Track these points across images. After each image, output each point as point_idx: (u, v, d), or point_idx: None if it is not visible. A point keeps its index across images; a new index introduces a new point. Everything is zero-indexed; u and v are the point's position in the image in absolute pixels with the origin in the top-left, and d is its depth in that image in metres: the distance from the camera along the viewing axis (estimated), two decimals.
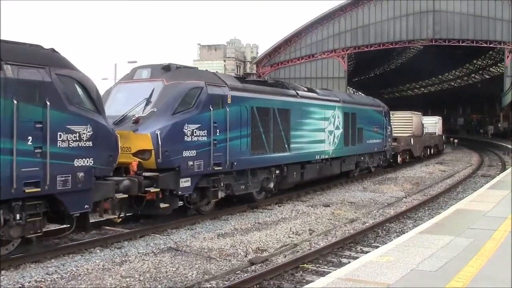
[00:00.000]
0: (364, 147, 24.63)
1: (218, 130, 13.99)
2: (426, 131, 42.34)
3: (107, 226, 12.82)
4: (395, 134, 31.95)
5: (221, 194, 14.51)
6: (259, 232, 12.93)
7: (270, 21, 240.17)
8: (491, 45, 58.31)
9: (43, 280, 8.96)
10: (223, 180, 14.51)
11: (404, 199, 19.21)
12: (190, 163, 12.97)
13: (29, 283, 8.79)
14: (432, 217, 13.03)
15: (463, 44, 58.09)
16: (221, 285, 8.78)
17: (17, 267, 9.60)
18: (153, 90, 13.11)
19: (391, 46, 61.91)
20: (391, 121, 31.80)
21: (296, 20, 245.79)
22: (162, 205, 12.55)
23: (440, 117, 51.11)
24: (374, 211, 16.45)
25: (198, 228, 13.33)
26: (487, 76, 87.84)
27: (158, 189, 12.25)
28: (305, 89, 20.36)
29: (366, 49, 61.38)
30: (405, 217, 15.42)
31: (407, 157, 34.37)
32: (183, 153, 12.82)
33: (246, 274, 9.40)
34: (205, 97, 13.62)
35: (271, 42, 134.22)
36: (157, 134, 12.20)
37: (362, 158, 24.75)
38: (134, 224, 13.54)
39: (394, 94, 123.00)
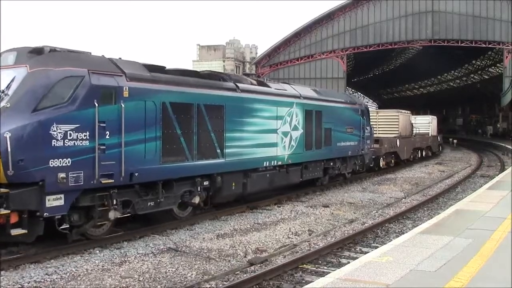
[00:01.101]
0: (334, 150, 21.29)
1: (107, 132, 10.94)
2: (417, 131, 39.33)
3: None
4: (379, 135, 29.82)
5: (115, 214, 11.43)
6: (259, 233, 12.94)
7: (269, 22, 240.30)
8: (490, 46, 58.33)
9: (42, 280, 8.96)
10: (117, 196, 11.38)
11: (404, 199, 19.22)
12: (62, 175, 10.00)
13: (28, 283, 8.80)
14: (432, 218, 13.04)
15: (462, 44, 58.14)
16: (220, 285, 8.79)
17: (17, 267, 9.60)
18: (12, 80, 10.16)
19: (390, 47, 61.96)
20: (377, 121, 30.58)
21: (296, 21, 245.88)
22: (15, 231, 9.48)
23: (435, 117, 47.70)
24: (374, 212, 16.46)
25: (198, 229, 13.33)
26: (486, 77, 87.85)
27: (9, 211, 9.34)
28: (253, 82, 17.10)
29: (365, 50, 61.41)
30: (404, 217, 15.43)
31: (392, 160, 30.95)
32: (50, 162, 9.87)
33: (245, 275, 9.41)
34: (87, 89, 10.58)
35: (270, 42, 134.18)
36: (5, 137, 9.35)
37: (331, 163, 21.35)
38: (133, 224, 13.53)
39: (393, 94, 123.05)
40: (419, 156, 37.52)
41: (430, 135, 42.16)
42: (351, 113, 23.27)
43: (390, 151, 29.70)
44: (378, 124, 30.61)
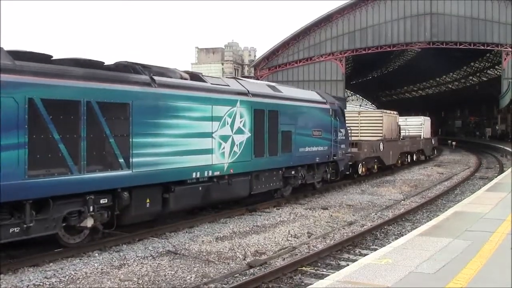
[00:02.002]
0: (296, 157, 18.17)
1: None
2: (407, 133, 36.57)
3: (106, 230, 12.78)
4: (361, 138, 27.57)
5: None
6: (258, 235, 12.94)
7: (268, 24, 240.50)
8: (488, 48, 58.45)
9: (41, 284, 8.95)
10: None
11: (403, 201, 19.22)
12: None
13: (27, 287, 8.79)
14: (430, 220, 13.04)
15: (460, 46, 58.23)
16: None
17: (15, 271, 9.59)
18: None
19: (389, 49, 62.05)
20: (359, 123, 28.53)
21: (294, 23, 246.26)
22: None
23: (428, 118, 44.40)
24: (373, 214, 16.46)
25: (197, 231, 13.33)
26: (485, 79, 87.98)
27: None
28: (185, 75, 14.10)
29: (364, 52, 61.50)
30: (403, 219, 15.43)
31: (375, 166, 27.81)
32: None
33: (244, 277, 9.41)
34: None
35: (268, 45, 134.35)
36: None
37: (293, 172, 18.25)
38: (132, 228, 13.51)
39: (392, 96, 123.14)
40: (408, 161, 34.62)
41: (422, 137, 39.04)
42: (319, 113, 20.00)
43: (371, 156, 26.45)
44: (361, 126, 28.25)
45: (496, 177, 23.66)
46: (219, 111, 14.47)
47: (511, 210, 12.59)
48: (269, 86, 18.14)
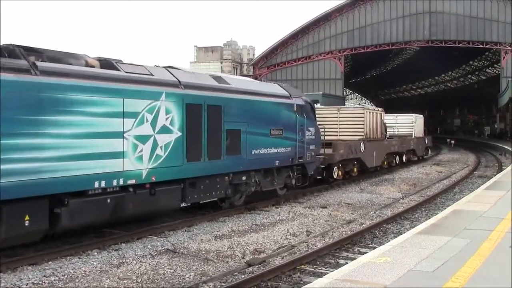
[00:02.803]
0: (247, 160, 15.60)
1: None
2: (396, 132, 34.19)
3: (105, 229, 12.78)
4: (340, 138, 24.94)
5: None
6: (257, 234, 12.94)
7: (266, 23, 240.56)
8: (487, 46, 58.55)
9: (40, 282, 8.95)
10: None
11: (401, 200, 19.23)
12: None
13: (26, 285, 8.79)
14: (429, 218, 13.05)
15: (459, 45, 58.33)
16: (218, 286, 8.79)
17: (15, 269, 9.58)
18: None
19: (388, 48, 62.16)
20: (338, 120, 25.66)
21: (293, 22, 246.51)
22: None
23: (421, 115, 41.50)
24: (371, 212, 16.47)
25: (196, 230, 13.33)
26: (484, 77, 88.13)
27: None
28: (93, 62, 11.65)
29: (363, 51, 61.56)
30: (402, 218, 15.44)
31: (355, 169, 25.03)
32: None
33: (243, 276, 9.41)
34: None
35: (267, 44, 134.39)
36: None
37: (244, 177, 15.79)
38: (132, 226, 13.51)
39: (390, 95, 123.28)
40: (396, 162, 31.78)
41: (413, 136, 36.46)
42: (280, 109, 17.31)
43: (350, 157, 23.65)
44: (340, 125, 25.55)
45: (495, 176, 23.67)
46: (134, 105, 11.77)
47: (510, 208, 12.59)
48: (214, 77, 15.42)
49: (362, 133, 25.60)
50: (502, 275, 7.13)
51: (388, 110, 34.99)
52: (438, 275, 7.18)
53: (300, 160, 18.31)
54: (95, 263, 10.14)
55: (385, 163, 29.55)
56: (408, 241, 9.34)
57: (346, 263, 9.28)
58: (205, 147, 13.91)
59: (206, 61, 69.43)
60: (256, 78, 63.94)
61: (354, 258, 9.46)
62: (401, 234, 11.75)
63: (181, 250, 11.21)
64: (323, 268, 9.96)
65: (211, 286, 8.87)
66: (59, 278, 9.21)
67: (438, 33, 58.05)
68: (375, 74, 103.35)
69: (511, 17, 55.03)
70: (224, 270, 9.84)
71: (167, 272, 9.66)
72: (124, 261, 10.35)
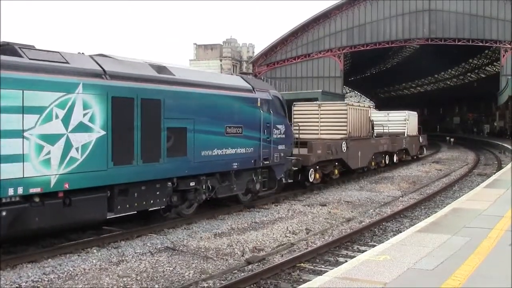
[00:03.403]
0: (196, 163, 13.39)
1: None
2: (385, 130, 31.74)
3: (105, 226, 12.78)
4: (320, 137, 23.07)
5: None
6: (256, 232, 12.94)
7: (266, 21, 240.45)
8: (487, 44, 58.54)
9: (40, 280, 8.96)
10: None
11: (401, 198, 19.23)
12: None
13: (26, 283, 8.79)
14: (429, 216, 13.07)
15: (459, 43, 58.32)
16: (218, 284, 8.79)
17: (14, 267, 9.59)
18: None
19: (387, 45, 62.12)
20: (319, 117, 23.56)
21: (292, 20, 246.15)
22: None
23: (414, 113, 38.99)
24: (371, 210, 16.47)
25: (195, 228, 13.33)
26: (483, 75, 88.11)
27: None
28: None
29: (362, 48, 61.56)
30: (401, 216, 15.45)
31: (336, 171, 22.58)
32: None
33: (243, 274, 9.41)
34: None
35: (267, 41, 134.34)
36: None
37: (193, 183, 13.63)
38: (131, 224, 13.52)
39: (390, 93, 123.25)
40: (386, 162, 29.40)
41: (406, 135, 34.18)
42: (239, 104, 15.14)
43: (329, 158, 21.25)
44: (321, 122, 23.52)
45: (494, 174, 23.68)
46: (38, 98, 9.82)
47: (510, 206, 12.59)
48: (154, 66, 13.01)
49: (345, 132, 23.27)
50: (502, 273, 7.14)
51: (387, 108, 34.79)
52: (438, 273, 7.18)
53: (265, 162, 16.17)
54: (94, 261, 10.14)
55: (373, 163, 27.20)
56: (407, 239, 9.34)
57: (346, 261, 9.28)
58: (138, 148, 11.80)
59: (205, 59, 69.35)
60: (255, 76, 64.07)
61: (354, 256, 9.47)
62: (401, 232, 11.76)
63: (180, 248, 11.21)
64: (323, 266, 9.96)
65: (210, 284, 8.87)
66: (59, 275, 9.21)
67: (438, 31, 58.02)
68: (375, 72, 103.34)
69: (511, 15, 55.00)
70: (224, 268, 9.84)
71: (166, 269, 9.66)
72: (123, 258, 10.35)
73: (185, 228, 13.25)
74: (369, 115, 26.56)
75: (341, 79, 62.03)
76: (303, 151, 19.89)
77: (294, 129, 20.04)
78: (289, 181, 18.40)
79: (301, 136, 21.45)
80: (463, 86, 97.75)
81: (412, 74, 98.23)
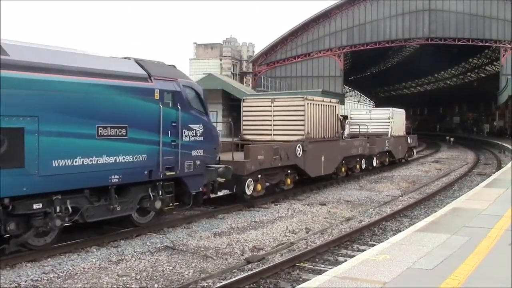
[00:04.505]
0: (42, 178, 9.75)
1: None
2: (367, 130, 28.70)
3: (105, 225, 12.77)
4: (274, 138, 19.23)
5: None
6: (256, 231, 12.94)
7: (266, 20, 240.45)
8: (486, 44, 58.55)
9: (39, 279, 8.96)
10: None
11: (400, 197, 19.23)
12: None
13: (25, 282, 8.79)
14: (428, 216, 13.06)
15: (459, 42, 58.33)
16: (217, 283, 8.78)
17: (13, 266, 9.59)
18: None
19: (387, 45, 62.14)
20: (272, 115, 19.69)
21: (292, 19, 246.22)
22: None
23: (402, 110, 34.70)
24: (371, 210, 16.48)
25: (195, 227, 13.33)
26: (483, 75, 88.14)
27: None
28: None
29: (362, 48, 61.59)
30: (401, 215, 15.45)
31: (288, 180, 18.44)
32: None
33: (242, 273, 9.41)
34: None
35: (267, 41, 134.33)
36: None
37: (40, 205, 9.99)
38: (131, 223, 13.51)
39: (390, 92, 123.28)
40: (362, 167, 25.30)
41: (390, 135, 29.91)
42: (122, 96, 11.31)
43: (277, 165, 17.40)
44: (274, 121, 19.60)
45: (494, 173, 23.68)
46: None
47: (509, 206, 12.60)
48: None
49: (302, 132, 19.22)
50: (501, 273, 7.13)
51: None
52: (437, 272, 7.18)
53: (169, 173, 12.51)
54: (94, 260, 10.15)
55: (343, 169, 23.15)
56: (407, 238, 9.34)
57: (345, 260, 9.29)
58: None
59: (205, 58, 69.28)
60: (255, 75, 64.08)
61: (353, 256, 9.47)
62: (400, 231, 11.75)
63: (180, 247, 11.21)
64: (322, 266, 9.96)
65: (210, 283, 8.87)
66: (58, 274, 9.22)
67: (438, 30, 58.04)
68: (375, 71, 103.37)
69: (511, 15, 55.00)
70: (223, 267, 9.85)
71: (166, 269, 9.67)
72: (123, 258, 10.35)
73: (184, 227, 13.25)
74: (337, 112, 22.25)
75: (341, 78, 62.05)
76: (239, 156, 16.54)
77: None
78: (213, 195, 15.18)
79: (251, 137, 19.38)
80: (463, 86, 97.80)
81: (412, 73, 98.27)
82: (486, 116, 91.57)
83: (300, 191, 19.60)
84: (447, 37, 58.15)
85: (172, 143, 12.58)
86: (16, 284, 8.68)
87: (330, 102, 21.95)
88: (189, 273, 9.46)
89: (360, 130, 27.87)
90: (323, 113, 20.78)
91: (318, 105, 20.44)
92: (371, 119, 30.86)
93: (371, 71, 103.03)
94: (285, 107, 19.77)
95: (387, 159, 29.49)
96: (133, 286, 8.74)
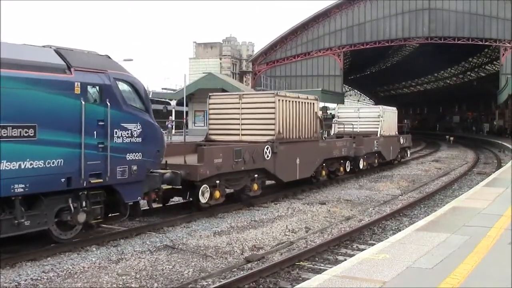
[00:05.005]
0: None
1: None
2: (354, 129, 26.84)
3: (104, 224, 12.76)
4: (242, 138, 17.67)
5: None
6: (255, 230, 12.94)
7: (266, 19, 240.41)
8: (486, 43, 58.56)
9: (39, 278, 8.95)
10: None
11: (400, 196, 19.23)
12: None
13: (25, 281, 8.78)
14: (428, 215, 13.06)
15: (458, 41, 58.34)
16: (217, 283, 8.78)
17: (13, 265, 9.58)
18: None
19: (387, 44, 62.18)
20: (240, 112, 17.96)
21: (292, 18, 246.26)
22: None
23: (394, 108, 32.48)
24: (370, 209, 16.48)
25: (194, 226, 13.33)
26: (483, 74, 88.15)
27: None
28: None
29: (362, 47, 61.62)
30: (401, 214, 15.44)
31: (255, 186, 16.19)
32: None
33: (242, 272, 9.41)
34: None
35: (267, 40, 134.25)
36: None
37: None
38: (130, 222, 13.51)
39: (390, 92, 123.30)
40: (347, 169, 23.15)
41: (379, 135, 27.87)
42: (29, 90, 9.54)
43: (239, 169, 15.39)
44: (242, 119, 17.94)
45: (494, 173, 23.68)
46: None
47: (509, 205, 12.60)
48: None
49: (272, 131, 17.30)
50: (501, 272, 7.14)
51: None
52: (437, 272, 7.18)
53: (95, 181, 10.70)
54: (93, 259, 10.14)
55: (324, 173, 21.00)
56: (407, 238, 9.34)
57: (345, 259, 9.28)
58: None
59: (205, 57, 69.30)
60: (255, 74, 64.08)
61: (353, 255, 9.47)
62: (400, 230, 11.74)
63: (179, 246, 11.21)
64: (322, 265, 9.96)
65: (209, 282, 8.86)
66: (58, 274, 9.21)
67: (438, 29, 58.06)
68: (374, 71, 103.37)
69: (511, 14, 55.00)
70: (223, 266, 9.85)
71: (165, 268, 9.66)
72: (122, 257, 10.35)
73: (184, 227, 13.25)
74: (315, 110, 19.95)
75: (340, 77, 62.10)
76: (192, 159, 14.53)
77: None
78: (154, 206, 13.73)
79: (217, 138, 18.10)
80: (463, 85, 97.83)
81: (412, 73, 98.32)
82: (486, 115, 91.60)
83: (299, 190, 19.59)
84: (446, 36, 58.16)
85: (99, 146, 10.73)
86: (16, 283, 8.67)
87: (307, 98, 19.65)
88: (188, 272, 9.46)
89: (348, 129, 26.49)
90: (298, 110, 18.70)
91: (292, 102, 18.38)
92: (359, 117, 28.98)
93: (371, 70, 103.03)
94: (254, 104, 18.01)
95: (376, 160, 27.29)
96: (132, 285, 8.74)
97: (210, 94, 19.20)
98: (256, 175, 16.27)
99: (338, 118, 29.31)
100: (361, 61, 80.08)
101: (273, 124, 17.30)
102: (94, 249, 10.93)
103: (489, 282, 6.78)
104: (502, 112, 72.51)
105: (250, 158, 15.78)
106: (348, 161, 23.14)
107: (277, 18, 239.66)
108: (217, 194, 14.53)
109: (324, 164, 20.78)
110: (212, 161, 14.24)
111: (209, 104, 18.75)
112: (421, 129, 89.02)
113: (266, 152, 16.55)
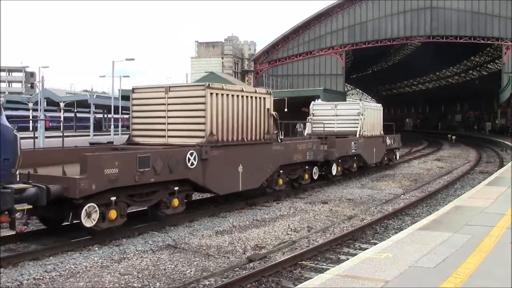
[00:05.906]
0: None
1: None
2: (333, 128, 24.50)
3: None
4: (169, 141, 14.75)
5: None
6: (258, 229, 12.94)
7: (267, 19, 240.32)
8: (488, 42, 58.51)
9: (41, 277, 8.96)
10: None
11: (402, 195, 19.22)
12: None
13: (27, 280, 8.79)
14: (430, 214, 13.04)
15: (460, 40, 58.28)
16: (219, 282, 8.78)
17: (15, 264, 9.59)
18: None
19: (389, 43, 62.18)
20: (166, 109, 14.87)
21: (294, 18, 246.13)
22: None
23: (378, 105, 29.78)
24: (372, 208, 16.46)
25: (197, 225, 13.33)
26: (485, 73, 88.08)
27: None
28: None
29: (364, 46, 61.57)
30: (403, 213, 15.43)
31: (175, 201, 12.98)
32: None
33: (244, 271, 9.41)
34: None
35: (269, 39, 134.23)
36: None
37: None
38: (132, 221, 13.51)
39: (392, 91, 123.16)
40: (312, 177, 19.74)
41: (359, 135, 24.41)
42: None
43: (148, 181, 12.14)
44: (169, 118, 14.92)
45: (496, 171, 23.65)
46: None
47: (511, 204, 12.58)
48: None
49: (202, 133, 14.14)
50: (503, 271, 7.12)
51: (389, 106, 33.66)
52: (439, 271, 7.17)
53: None
54: (96, 258, 10.15)
55: (281, 181, 17.44)
56: (409, 237, 9.33)
57: (347, 258, 9.28)
58: None
59: (207, 57, 69.31)
60: (257, 73, 64.06)
61: (355, 254, 9.47)
62: (402, 230, 11.74)
63: (182, 246, 11.21)
64: (324, 264, 9.96)
65: (212, 282, 8.86)
66: (60, 273, 9.22)
67: (439, 28, 58.01)
68: (376, 69, 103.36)
69: None
70: (225, 265, 9.85)
71: (168, 267, 9.67)
72: (125, 256, 10.36)
73: (186, 226, 13.25)
74: (267, 107, 16.52)
75: (342, 76, 62.10)
76: (74, 170, 11.17)
77: None
78: (14, 231, 9.80)
79: (141, 140, 15.31)
80: (465, 84, 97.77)
81: (414, 71, 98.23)
82: (488, 114, 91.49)
83: (301, 190, 19.58)
84: (448, 35, 58.11)
85: None
86: (18, 283, 8.68)
87: (256, 92, 16.27)
88: (191, 271, 9.46)
89: (330, 129, 23.87)
90: (242, 107, 15.40)
91: (233, 96, 15.08)
92: (337, 115, 25.44)
93: (373, 69, 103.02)
94: (182, 99, 14.74)
95: (354, 164, 23.91)
96: (135, 284, 8.74)
97: (133, 87, 15.97)
98: (176, 188, 13.08)
99: (313, 116, 25.86)
100: (363, 60, 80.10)
101: (203, 123, 14.11)
102: (96, 248, 10.93)
103: (492, 281, 6.76)
104: (504, 110, 72.38)
105: (165, 166, 12.55)
106: (316, 167, 19.83)
107: (279, 18, 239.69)
108: (112, 214, 11.35)
109: (281, 171, 17.40)
110: (102, 172, 10.93)
111: (132, 99, 15.68)
112: (423, 128, 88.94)
113: (189, 159, 13.30)
